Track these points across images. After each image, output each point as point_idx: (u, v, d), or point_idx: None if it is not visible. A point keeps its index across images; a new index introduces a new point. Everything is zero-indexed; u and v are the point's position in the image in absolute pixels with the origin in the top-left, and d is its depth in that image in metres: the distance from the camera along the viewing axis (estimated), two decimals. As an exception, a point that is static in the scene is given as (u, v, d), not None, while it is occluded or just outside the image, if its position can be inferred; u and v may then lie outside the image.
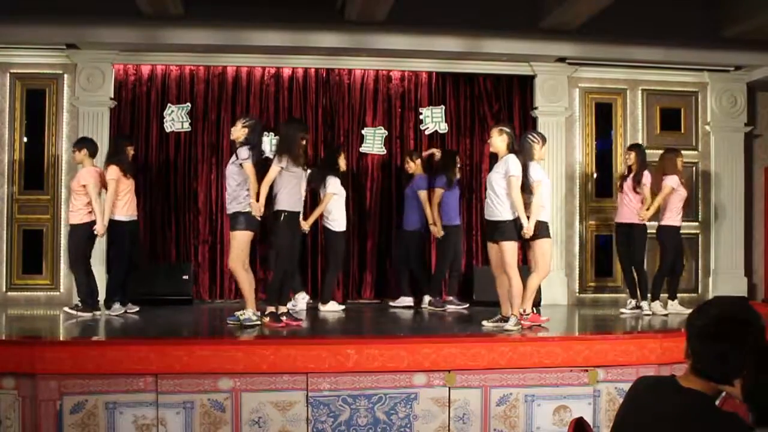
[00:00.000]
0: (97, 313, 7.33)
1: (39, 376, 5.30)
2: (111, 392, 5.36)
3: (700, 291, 9.59)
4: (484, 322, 6.66)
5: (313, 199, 8.41)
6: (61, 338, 6.57)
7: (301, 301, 8.20)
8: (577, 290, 9.16)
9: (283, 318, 6.66)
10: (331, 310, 8.09)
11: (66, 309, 7.36)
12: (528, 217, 6.47)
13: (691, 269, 9.54)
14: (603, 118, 9.66)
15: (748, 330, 2.18)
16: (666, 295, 8.18)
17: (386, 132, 9.36)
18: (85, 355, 5.39)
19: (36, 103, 8.86)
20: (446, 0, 8.56)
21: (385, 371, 5.63)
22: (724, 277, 9.48)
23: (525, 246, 7.02)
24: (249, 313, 6.52)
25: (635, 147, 8.23)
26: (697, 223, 9.63)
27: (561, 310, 8.14)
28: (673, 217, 8.03)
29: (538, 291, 8.85)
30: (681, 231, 8.18)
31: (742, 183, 9.65)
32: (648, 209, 7.85)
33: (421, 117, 9.44)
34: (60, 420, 5.32)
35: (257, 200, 6.46)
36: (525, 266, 7.30)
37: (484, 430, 5.75)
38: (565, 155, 9.33)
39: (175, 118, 9.06)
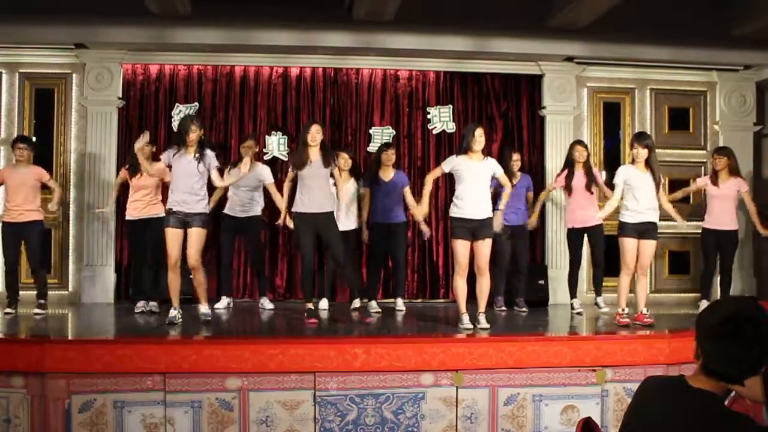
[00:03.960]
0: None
1: (48, 375, 5.33)
2: (119, 391, 5.39)
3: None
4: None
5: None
6: (70, 337, 6.60)
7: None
8: (585, 290, 9.11)
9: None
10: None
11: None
12: None
13: (700, 268, 9.50)
14: (611, 117, 9.64)
15: (759, 330, 2.16)
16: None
17: (394, 131, 9.36)
18: (93, 354, 5.41)
19: (44, 103, 8.90)
20: (454, -1, 8.57)
21: (393, 371, 5.64)
22: (733, 276, 9.42)
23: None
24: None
25: (584, 144, 8.31)
26: (706, 222, 9.60)
27: (569, 310, 8.12)
28: (705, 220, 8.28)
29: (545, 290, 8.93)
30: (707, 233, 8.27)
31: (752, 182, 9.60)
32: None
33: (428, 116, 9.44)
34: (68, 419, 5.34)
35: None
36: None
37: (491, 430, 5.75)
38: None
39: (184, 118, 9.07)
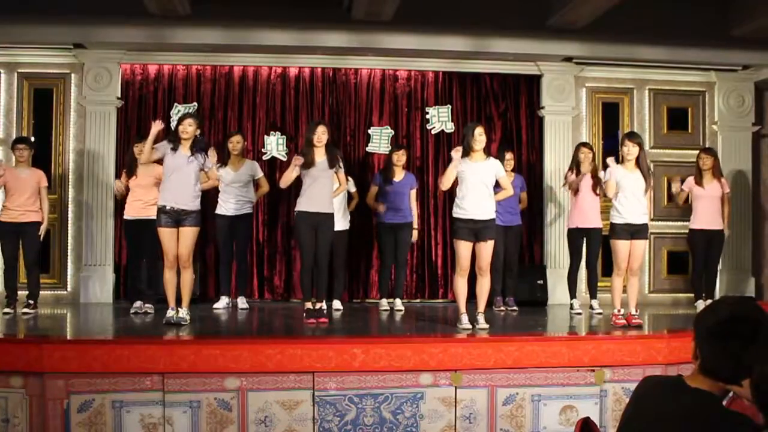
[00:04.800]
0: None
1: (46, 375, 5.32)
2: (118, 391, 5.38)
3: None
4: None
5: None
6: (69, 337, 6.60)
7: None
8: (584, 290, 9.13)
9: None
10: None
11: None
12: None
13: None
14: (610, 117, 9.63)
15: (757, 329, 2.16)
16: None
17: (393, 131, 9.36)
18: (92, 354, 5.40)
19: (43, 103, 8.90)
20: (453, -1, 8.58)
21: (392, 371, 5.64)
22: (731, 276, 9.45)
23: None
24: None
25: (589, 146, 8.34)
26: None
27: (568, 310, 8.13)
28: (692, 221, 8.40)
29: (544, 290, 8.94)
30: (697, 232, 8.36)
31: (750, 182, 9.62)
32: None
33: (427, 116, 9.44)
34: (67, 419, 5.33)
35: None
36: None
37: (490, 430, 5.74)
38: (571, 155, 9.29)
39: (182, 118, 9.06)
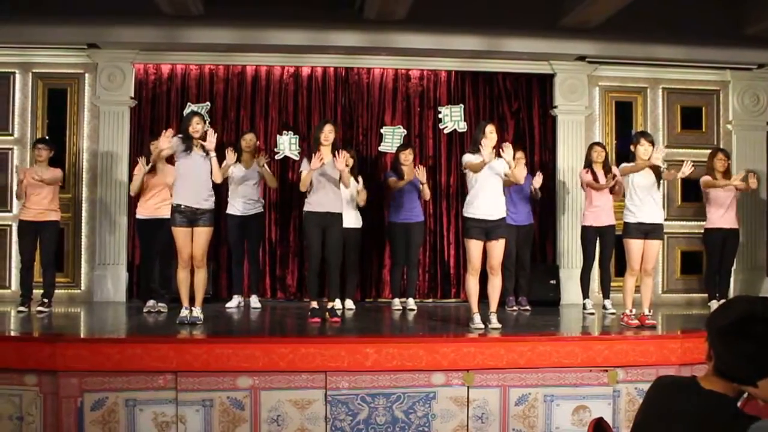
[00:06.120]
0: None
1: (60, 373, 5.35)
2: (131, 389, 5.41)
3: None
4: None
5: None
6: (82, 335, 6.63)
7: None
8: (597, 290, 9.10)
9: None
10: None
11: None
12: None
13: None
14: (623, 117, 9.60)
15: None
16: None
17: (405, 131, 9.35)
18: (105, 353, 5.43)
19: (57, 103, 8.96)
20: (465, -2, 8.57)
21: (404, 370, 5.63)
22: (746, 276, 9.39)
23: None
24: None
25: (602, 145, 8.32)
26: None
27: (581, 310, 8.10)
28: (708, 221, 8.39)
29: (557, 289, 8.92)
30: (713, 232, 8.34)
31: (765, 181, 9.55)
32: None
33: (440, 116, 9.43)
34: (81, 417, 5.36)
35: None
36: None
37: (502, 430, 5.73)
38: (584, 154, 9.25)
39: (195, 117, 9.08)
